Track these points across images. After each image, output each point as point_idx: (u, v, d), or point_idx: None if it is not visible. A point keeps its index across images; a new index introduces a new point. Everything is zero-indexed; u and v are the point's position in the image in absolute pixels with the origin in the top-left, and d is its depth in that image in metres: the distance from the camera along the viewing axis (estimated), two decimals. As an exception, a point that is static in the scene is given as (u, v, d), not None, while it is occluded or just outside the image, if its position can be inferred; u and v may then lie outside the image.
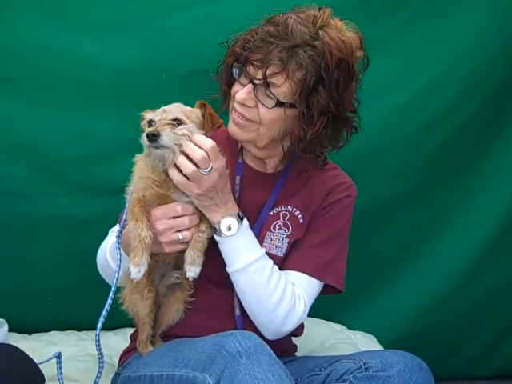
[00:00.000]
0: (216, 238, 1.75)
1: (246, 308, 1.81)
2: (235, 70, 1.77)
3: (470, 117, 2.55)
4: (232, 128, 1.80)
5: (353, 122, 1.80)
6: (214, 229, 1.74)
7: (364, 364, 1.62)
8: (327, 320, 2.55)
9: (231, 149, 1.89)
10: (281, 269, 1.84)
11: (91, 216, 2.37)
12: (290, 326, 1.81)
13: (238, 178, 1.86)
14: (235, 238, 1.73)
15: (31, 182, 2.34)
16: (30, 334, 2.45)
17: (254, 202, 1.86)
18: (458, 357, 2.75)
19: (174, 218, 1.67)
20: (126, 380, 1.81)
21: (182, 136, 1.61)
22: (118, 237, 1.73)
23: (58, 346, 2.34)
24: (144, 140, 1.62)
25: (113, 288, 1.71)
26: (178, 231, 1.66)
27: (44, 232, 2.38)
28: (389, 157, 2.53)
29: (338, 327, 2.55)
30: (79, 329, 2.50)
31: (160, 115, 1.66)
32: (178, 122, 1.64)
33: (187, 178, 1.63)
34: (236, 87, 1.78)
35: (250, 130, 1.77)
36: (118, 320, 2.40)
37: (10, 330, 2.36)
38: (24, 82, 2.27)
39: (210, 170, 1.62)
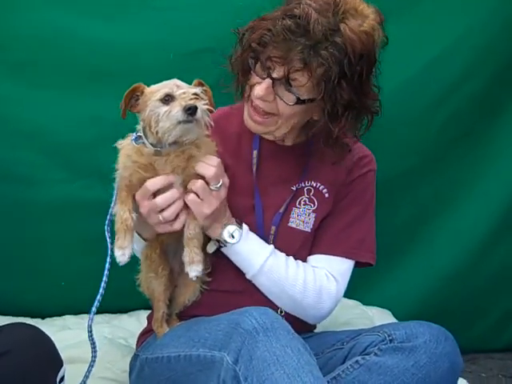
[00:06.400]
0: (223, 250, 1.77)
1: (280, 306, 1.82)
2: (251, 61, 1.69)
3: (481, 88, 2.53)
4: (248, 123, 1.77)
5: (373, 108, 1.74)
6: (217, 242, 1.76)
7: (388, 336, 1.61)
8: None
9: None
10: (309, 247, 1.85)
11: (101, 200, 2.32)
12: (328, 306, 1.83)
13: (255, 152, 1.85)
14: (241, 243, 1.75)
15: (39, 167, 2.33)
16: (43, 318, 2.45)
17: (275, 174, 1.85)
18: (471, 331, 2.75)
19: (154, 197, 1.63)
20: (143, 362, 1.80)
21: (206, 110, 1.60)
22: (108, 225, 1.71)
23: (72, 330, 2.35)
24: (178, 114, 1.56)
25: (105, 275, 1.68)
26: (159, 212, 1.63)
27: (54, 217, 2.37)
28: (400, 131, 2.50)
29: (353, 303, 2.56)
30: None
31: (178, 89, 1.60)
32: (197, 96, 1.60)
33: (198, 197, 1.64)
34: (254, 78, 1.71)
35: (268, 125, 1.74)
36: (132, 302, 2.45)
37: (23, 315, 2.40)
38: (31, 66, 2.26)
39: (220, 186, 1.65)
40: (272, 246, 1.80)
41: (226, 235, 1.73)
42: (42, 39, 2.25)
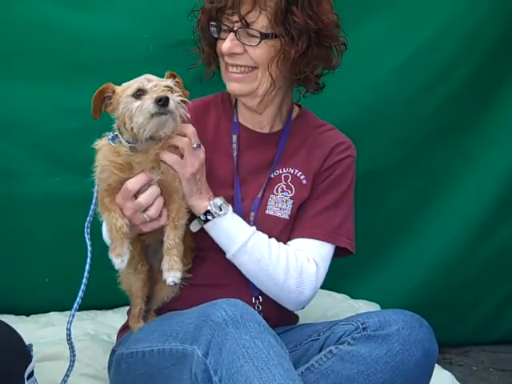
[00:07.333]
0: (207, 226, 1.75)
1: (261, 288, 1.80)
2: (213, 29, 1.80)
3: (470, 74, 2.50)
4: (231, 86, 1.82)
5: (339, 38, 1.82)
6: (202, 218, 1.74)
7: (362, 324, 1.59)
8: (330, 290, 2.50)
9: (225, 111, 1.92)
10: (289, 234, 1.84)
11: (84, 194, 2.31)
12: (308, 291, 1.79)
13: (234, 136, 1.87)
14: (227, 217, 1.74)
15: (21, 160, 2.29)
16: (27, 315, 2.43)
17: (253, 163, 1.86)
18: (464, 323, 2.72)
19: (136, 197, 1.62)
20: (119, 357, 1.79)
21: (181, 102, 1.59)
22: (87, 227, 1.71)
23: (56, 326, 2.32)
24: (150, 107, 1.54)
25: (84, 277, 1.70)
26: (143, 211, 1.63)
27: (37, 212, 2.34)
28: (390, 119, 2.48)
29: (341, 296, 2.52)
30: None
31: (149, 83, 1.59)
32: (169, 89, 1.60)
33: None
34: (220, 44, 1.80)
35: (250, 81, 1.78)
36: (119, 299, 2.42)
37: (8, 312, 2.37)
38: (9, 57, 2.23)
39: (199, 145, 1.68)
40: (254, 227, 1.79)
41: (214, 207, 1.72)
42: (22, 29, 2.22)
